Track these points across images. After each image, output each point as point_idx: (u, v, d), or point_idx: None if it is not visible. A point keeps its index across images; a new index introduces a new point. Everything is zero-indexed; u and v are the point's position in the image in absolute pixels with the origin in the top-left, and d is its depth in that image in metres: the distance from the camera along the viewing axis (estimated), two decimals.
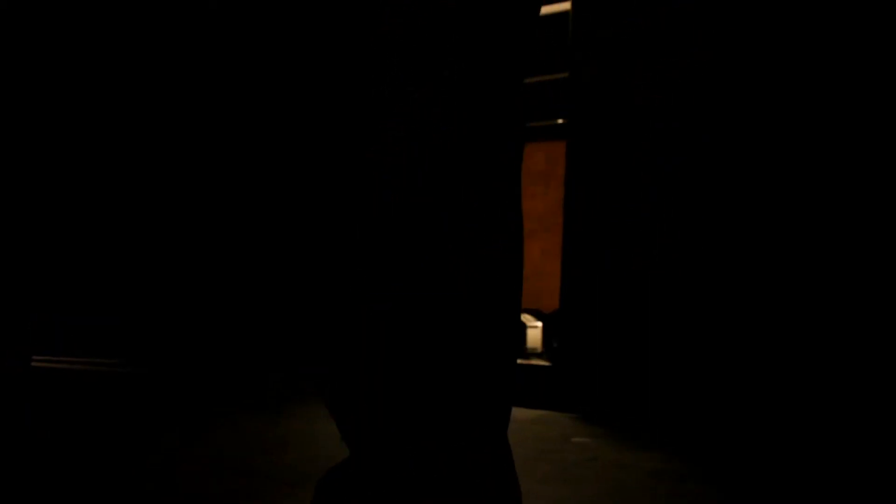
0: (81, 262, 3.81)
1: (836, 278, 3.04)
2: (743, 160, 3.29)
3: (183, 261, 4.00)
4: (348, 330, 0.88)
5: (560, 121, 6.63)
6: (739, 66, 3.34)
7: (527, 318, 5.05)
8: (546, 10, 5.83)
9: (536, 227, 7.80)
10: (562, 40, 5.91)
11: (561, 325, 3.78)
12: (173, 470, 2.30)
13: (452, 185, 0.85)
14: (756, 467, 2.54)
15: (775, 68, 3.24)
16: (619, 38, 3.70)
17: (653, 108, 3.55)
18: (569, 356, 3.71)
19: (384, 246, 0.84)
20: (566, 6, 5.84)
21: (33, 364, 4.70)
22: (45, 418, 3.18)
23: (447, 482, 0.85)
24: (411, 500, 0.85)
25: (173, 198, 3.65)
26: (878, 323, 2.93)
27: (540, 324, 5.13)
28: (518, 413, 3.58)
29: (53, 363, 5.05)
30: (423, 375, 0.85)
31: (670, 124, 3.50)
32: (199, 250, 3.93)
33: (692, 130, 3.44)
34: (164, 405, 3.66)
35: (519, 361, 4.25)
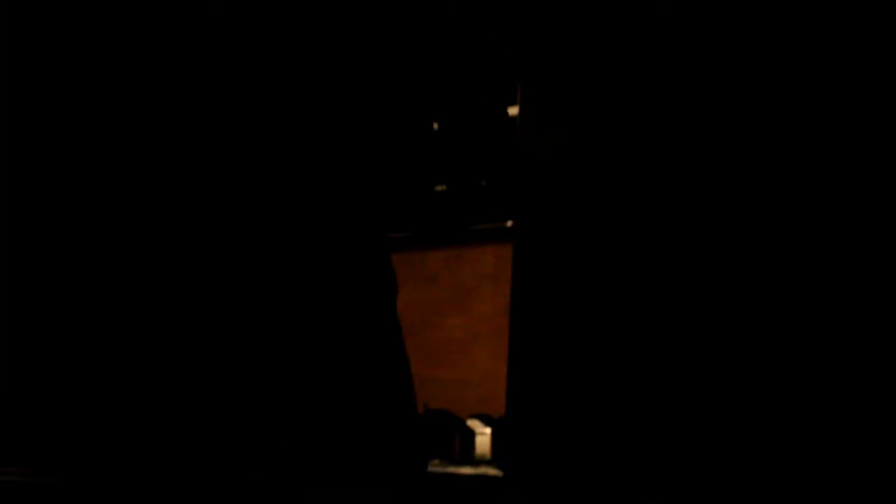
0: None
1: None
2: (699, 261, 3.29)
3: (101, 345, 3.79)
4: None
5: (509, 223, 6.67)
6: (686, 177, 3.38)
7: (475, 425, 4.91)
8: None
9: (484, 329, 7.73)
10: (510, 143, 6.03)
11: (509, 431, 3.66)
12: None
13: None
14: None
15: (734, 157, 3.29)
16: (567, 141, 3.75)
17: (600, 208, 3.56)
18: (517, 463, 3.58)
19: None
20: (514, 111, 5.98)
21: None
22: None
23: None
24: None
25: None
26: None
27: (489, 430, 4.99)
28: None
29: None
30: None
31: (618, 226, 3.51)
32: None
33: (641, 234, 3.45)
34: None
35: (468, 471, 4.08)
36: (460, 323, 7.03)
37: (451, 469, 4.11)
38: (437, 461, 4.61)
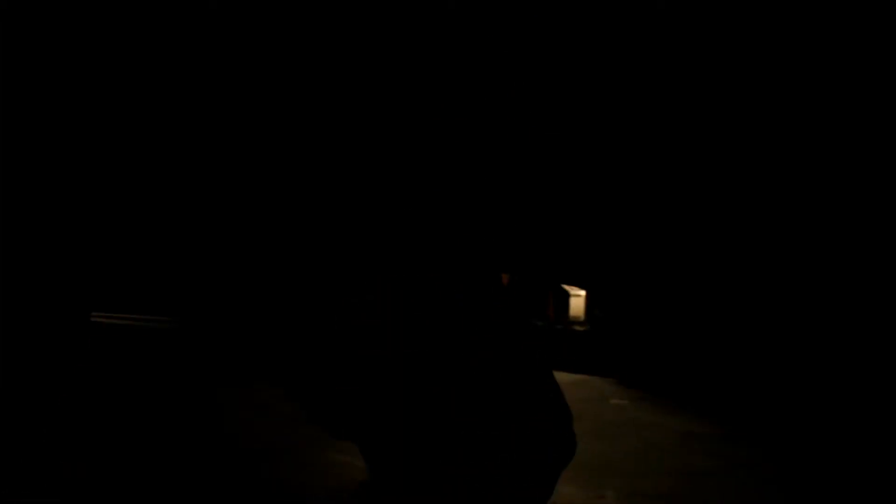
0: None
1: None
2: None
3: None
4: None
5: None
6: None
7: (570, 288, 5.12)
8: None
9: None
10: None
11: (603, 294, 3.85)
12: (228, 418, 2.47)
13: None
14: (783, 428, 2.61)
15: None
16: None
17: None
18: (609, 323, 3.80)
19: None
20: None
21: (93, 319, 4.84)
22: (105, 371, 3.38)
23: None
24: None
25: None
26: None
27: (583, 293, 5.19)
28: (559, 377, 3.69)
29: (110, 319, 5.26)
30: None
31: None
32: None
33: None
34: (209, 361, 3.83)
35: (562, 327, 4.34)
36: None
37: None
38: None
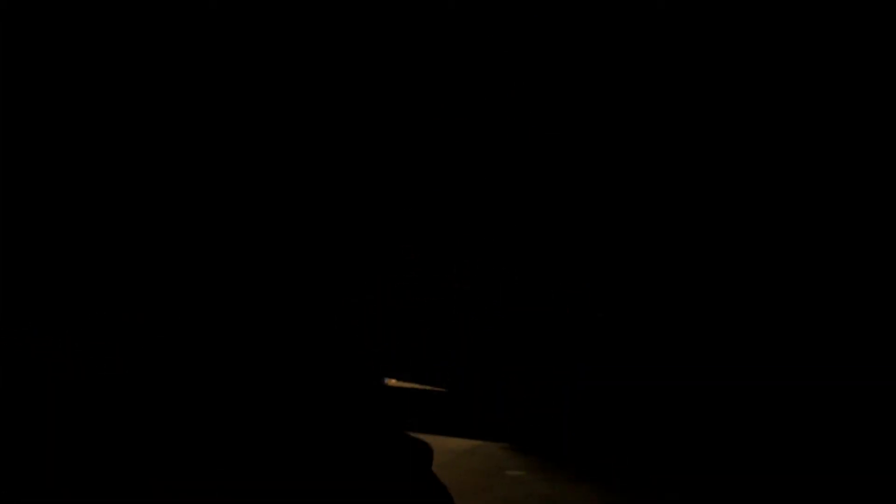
0: None
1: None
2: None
3: None
4: None
5: None
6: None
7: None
8: None
9: None
10: None
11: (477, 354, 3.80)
12: None
13: None
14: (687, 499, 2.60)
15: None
16: None
17: None
18: (493, 388, 3.74)
19: None
20: None
21: None
22: None
23: None
24: None
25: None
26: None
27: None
28: (452, 444, 3.60)
29: None
30: None
31: None
32: None
33: None
34: None
35: (448, 390, 4.26)
36: None
37: (406, 384, 4.31)
38: (393, 380, 4.79)
